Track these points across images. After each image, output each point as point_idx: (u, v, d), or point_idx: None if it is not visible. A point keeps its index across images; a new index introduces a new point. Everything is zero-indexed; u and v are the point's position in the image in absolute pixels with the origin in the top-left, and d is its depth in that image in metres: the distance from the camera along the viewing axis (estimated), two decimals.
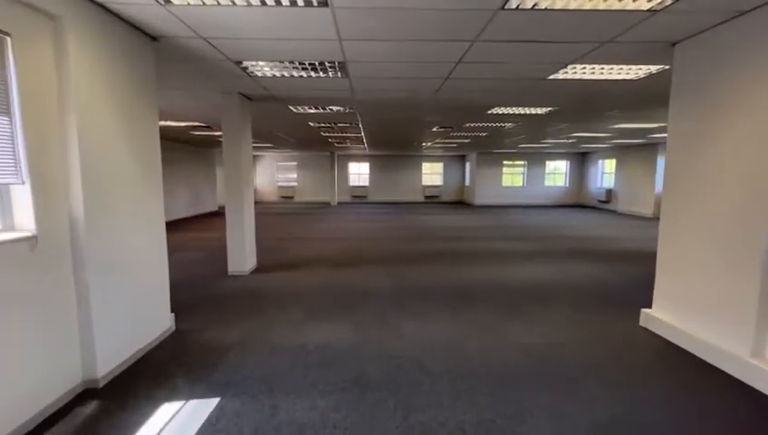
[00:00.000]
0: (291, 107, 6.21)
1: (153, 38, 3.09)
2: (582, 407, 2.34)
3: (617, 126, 8.47)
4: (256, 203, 18.51)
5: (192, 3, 2.49)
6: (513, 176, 18.30)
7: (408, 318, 3.75)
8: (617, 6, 2.55)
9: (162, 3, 2.49)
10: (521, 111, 6.53)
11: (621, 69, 3.98)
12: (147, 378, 2.63)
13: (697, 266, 3.04)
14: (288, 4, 2.50)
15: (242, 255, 5.34)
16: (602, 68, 3.95)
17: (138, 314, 2.91)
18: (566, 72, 4.13)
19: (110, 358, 2.59)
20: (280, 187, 19.77)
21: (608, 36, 3.07)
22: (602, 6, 2.54)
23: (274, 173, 19.75)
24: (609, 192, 15.29)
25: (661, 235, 3.42)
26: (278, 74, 4.24)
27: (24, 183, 2.11)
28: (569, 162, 17.83)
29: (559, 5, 2.53)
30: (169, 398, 2.41)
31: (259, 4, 2.50)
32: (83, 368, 2.46)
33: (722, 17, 2.73)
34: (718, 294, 2.85)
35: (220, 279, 5.13)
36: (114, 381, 2.58)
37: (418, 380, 2.63)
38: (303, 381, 2.61)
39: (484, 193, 17.71)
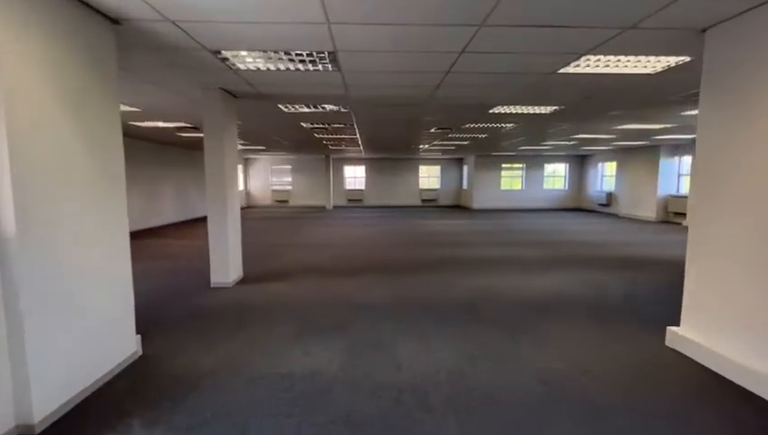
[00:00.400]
0: (281, 106, 5.82)
1: (114, 21, 2.69)
2: None
3: (622, 127, 8.15)
4: (250, 207, 18.09)
5: None
6: (511, 179, 17.98)
7: (406, 338, 3.35)
8: None
9: None
10: (523, 110, 6.18)
11: (639, 61, 3.63)
12: (96, 419, 2.21)
13: (735, 280, 2.66)
14: None
15: (225, 265, 4.92)
16: (619, 60, 3.59)
17: (91, 342, 2.49)
18: (578, 66, 3.77)
19: (51, 398, 2.17)
20: (274, 190, 19.33)
21: (633, 20, 2.71)
22: None
23: (268, 176, 19.32)
24: (610, 195, 14.99)
25: (690, 244, 3.04)
26: (263, 67, 3.85)
27: None
28: (568, 165, 17.54)
29: None
30: None
31: None
32: (17, 412, 2.04)
33: (758, 0, 2.39)
34: (763, 313, 2.48)
35: (201, 292, 4.71)
36: (55, 426, 2.15)
37: (419, 418, 2.23)
38: (285, 422, 2.20)
39: (483, 197, 17.37)
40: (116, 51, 2.72)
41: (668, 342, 3.19)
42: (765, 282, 2.46)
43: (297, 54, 3.44)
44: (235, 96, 5.08)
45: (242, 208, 17.44)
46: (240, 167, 18.17)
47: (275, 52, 3.37)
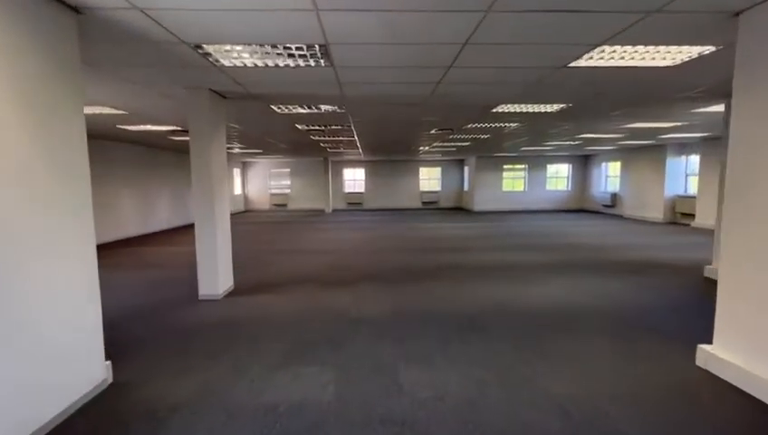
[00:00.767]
0: (273, 107, 5.52)
1: (75, 10, 2.39)
2: None
3: (630, 126, 7.84)
4: (248, 211, 17.78)
5: None
6: (513, 180, 17.67)
7: (407, 359, 3.03)
8: None
9: None
10: (528, 108, 5.88)
11: (658, 52, 3.32)
12: None
13: None
14: None
15: (214, 276, 4.61)
16: (636, 51, 3.29)
17: (47, 374, 2.17)
18: (591, 58, 3.47)
19: None
20: (272, 194, 19.05)
21: (658, 3, 2.40)
22: None
23: (267, 180, 19.04)
24: (615, 196, 14.66)
25: (724, 251, 2.73)
26: (249, 64, 3.55)
27: None
28: (571, 165, 17.23)
29: None
30: None
31: None
32: None
33: None
34: None
35: (188, 305, 4.40)
36: None
37: None
38: None
39: (484, 198, 17.06)
40: (77, 43, 2.42)
41: (700, 361, 2.87)
42: None
43: (286, 48, 3.14)
44: (224, 97, 4.79)
45: (240, 213, 17.17)
46: (238, 170, 17.88)
47: (261, 45, 3.07)
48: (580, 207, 17.28)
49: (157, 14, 2.49)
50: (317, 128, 7.78)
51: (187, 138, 8.82)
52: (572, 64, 3.64)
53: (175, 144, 10.36)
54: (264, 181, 19.01)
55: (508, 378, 2.74)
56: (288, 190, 19.02)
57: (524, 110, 5.95)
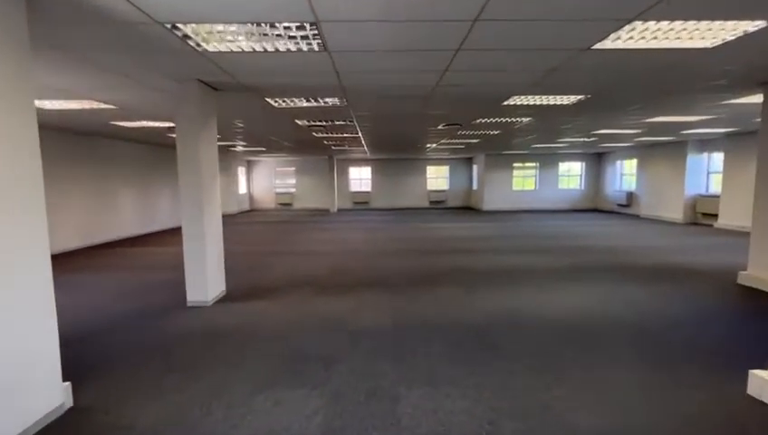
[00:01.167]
0: (269, 99, 5.18)
1: None
2: None
3: (650, 120, 7.34)
4: (252, 211, 17.55)
5: None
6: (523, 178, 17.14)
7: (409, 381, 2.66)
8: None
9: None
10: (543, 100, 5.45)
11: (698, 29, 2.88)
12: None
13: None
14: None
15: (203, 282, 4.29)
16: (671, 28, 2.85)
17: None
18: (618, 39, 3.05)
19: None
20: (278, 193, 18.80)
21: None
22: None
23: (272, 179, 18.79)
24: (631, 195, 14.08)
25: None
26: (235, 48, 3.20)
27: None
28: (584, 163, 16.64)
29: None
30: None
31: None
32: None
33: None
34: None
35: (174, 313, 4.08)
36: None
37: None
38: None
39: (493, 197, 16.58)
40: (25, 23, 2.09)
41: (752, 390, 2.45)
42: None
43: (272, 27, 2.78)
44: (215, 89, 4.46)
45: (245, 212, 16.94)
46: (242, 169, 17.65)
47: (242, 23, 2.71)
48: (593, 206, 16.69)
49: None
50: (319, 124, 7.43)
51: None
52: (597, 46, 3.22)
53: (172, 141, 10.11)
54: (269, 180, 18.77)
55: (524, 407, 2.35)
56: (293, 189, 18.75)
57: (538, 102, 5.53)
